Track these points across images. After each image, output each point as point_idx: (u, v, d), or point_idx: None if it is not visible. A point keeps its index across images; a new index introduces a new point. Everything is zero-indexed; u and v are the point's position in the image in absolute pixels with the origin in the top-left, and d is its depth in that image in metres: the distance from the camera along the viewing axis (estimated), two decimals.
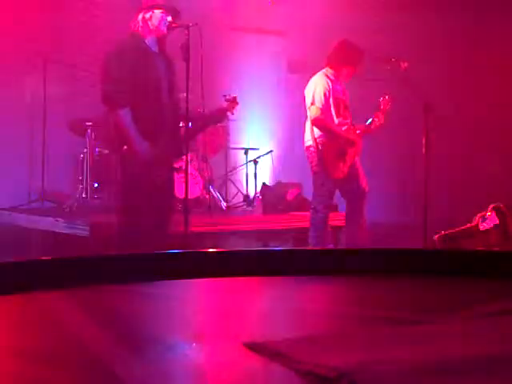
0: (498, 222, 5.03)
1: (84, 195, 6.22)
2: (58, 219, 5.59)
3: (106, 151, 6.16)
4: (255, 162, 7.31)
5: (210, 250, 1.68)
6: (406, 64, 5.03)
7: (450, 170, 7.51)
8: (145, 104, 4.06)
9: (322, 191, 5.19)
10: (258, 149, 7.60)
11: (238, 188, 7.65)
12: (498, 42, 7.49)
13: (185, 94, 4.19)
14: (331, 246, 5.53)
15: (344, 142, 5.16)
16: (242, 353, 0.97)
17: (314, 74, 5.32)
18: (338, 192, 5.37)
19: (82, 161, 6.31)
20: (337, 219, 5.78)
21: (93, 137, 6.29)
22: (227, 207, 6.83)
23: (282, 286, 1.57)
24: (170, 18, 4.19)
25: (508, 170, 7.15)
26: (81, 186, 6.26)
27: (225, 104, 5.00)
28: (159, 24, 4.16)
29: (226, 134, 7.34)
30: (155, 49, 4.20)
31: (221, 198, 6.81)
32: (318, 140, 5.15)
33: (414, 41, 7.24)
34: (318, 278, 1.62)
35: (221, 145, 7.33)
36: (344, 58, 5.26)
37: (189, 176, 4.35)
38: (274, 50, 8.43)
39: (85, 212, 5.92)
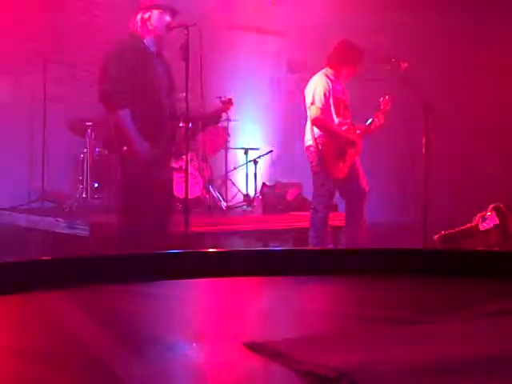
0: (497, 221, 5.03)
1: (84, 195, 6.22)
2: (58, 219, 5.59)
3: (106, 151, 6.16)
4: (255, 162, 7.31)
5: (210, 250, 1.68)
6: (405, 64, 5.03)
7: (450, 170, 7.51)
8: (144, 104, 4.06)
9: (322, 191, 5.19)
10: (258, 149, 7.60)
11: (238, 188, 7.65)
12: (498, 42, 7.49)
13: (184, 94, 4.19)
14: (331, 246, 5.53)
15: (344, 142, 5.16)
16: (242, 353, 0.97)
17: (314, 74, 5.32)
18: (337, 192, 5.37)
19: (82, 161, 6.31)
20: (337, 219, 5.78)
21: (93, 137, 6.29)
22: (227, 207, 6.83)
23: (282, 286, 1.57)
24: (168, 18, 4.19)
25: (508, 170, 7.15)
26: (81, 186, 6.26)
27: (220, 105, 5.02)
28: (158, 24, 4.16)
29: (225, 134, 7.33)
30: (154, 49, 4.20)
31: (221, 198, 6.81)
32: (317, 140, 5.15)
33: (414, 41, 7.24)
34: (318, 278, 1.62)
35: (221, 145, 7.33)
36: (344, 58, 5.26)
37: (189, 176, 4.35)
38: (273, 49, 8.44)
39: (85, 212, 5.92)
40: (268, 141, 8.14)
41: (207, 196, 6.57)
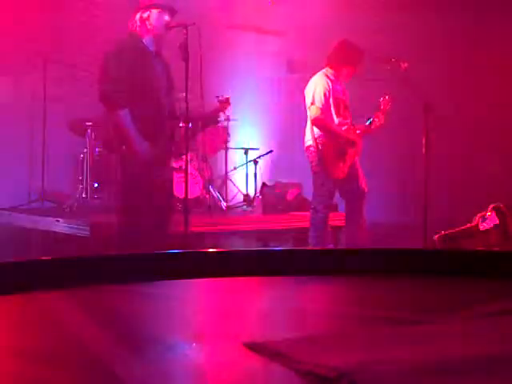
0: (497, 221, 5.03)
1: (84, 195, 6.22)
2: (58, 219, 5.59)
3: (106, 151, 6.16)
4: (255, 162, 7.31)
5: (210, 250, 1.68)
6: (406, 64, 5.02)
7: (450, 170, 7.50)
8: (143, 104, 4.06)
9: (322, 191, 5.19)
10: (258, 149, 7.60)
11: (238, 188, 7.64)
12: (498, 42, 7.48)
13: (184, 94, 4.19)
14: (331, 246, 5.53)
15: (344, 142, 5.16)
16: (242, 353, 0.97)
17: (314, 74, 5.32)
18: (337, 192, 5.37)
19: (82, 161, 6.32)
20: (337, 219, 5.78)
21: (93, 137, 6.29)
22: (227, 207, 6.83)
23: (282, 286, 1.57)
24: (167, 18, 4.19)
25: (508, 170, 7.14)
26: (81, 186, 6.26)
27: (218, 105, 5.02)
28: (157, 23, 4.16)
29: (225, 134, 7.33)
30: (153, 48, 4.19)
31: (221, 198, 6.81)
32: (318, 140, 5.15)
33: (414, 41, 7.23)
34: (318, 278, 1.62)
35: (221, 145, 7.33)
36: (344, 58, 5.26)
37: (189, 176, 4.35)
38: (273, 49, 8.43)
39: (85, 212, 5.92)
40: (268, 141, 8.14)
41: (207, 196, 6.57)
